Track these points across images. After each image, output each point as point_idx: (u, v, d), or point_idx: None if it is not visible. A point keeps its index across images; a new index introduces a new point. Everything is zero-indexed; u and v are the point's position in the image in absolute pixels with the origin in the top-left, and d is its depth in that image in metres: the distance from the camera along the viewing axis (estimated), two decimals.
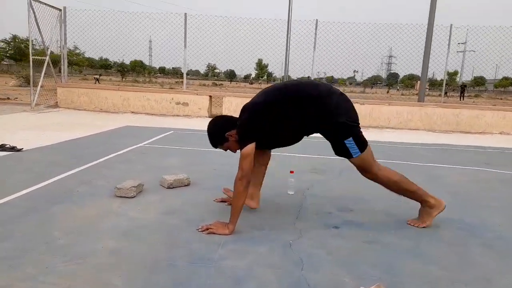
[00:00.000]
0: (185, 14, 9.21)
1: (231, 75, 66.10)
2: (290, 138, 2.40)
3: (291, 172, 3.04)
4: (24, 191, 2.72)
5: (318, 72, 31.68)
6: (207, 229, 2.17)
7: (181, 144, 5.09)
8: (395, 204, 2.80)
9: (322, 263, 1.88)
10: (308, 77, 9.52)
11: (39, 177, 3.09)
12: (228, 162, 3.84)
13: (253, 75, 54.95)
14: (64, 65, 9.47)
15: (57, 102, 9.15)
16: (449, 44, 9.40)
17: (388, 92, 42.37)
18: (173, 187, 3.00)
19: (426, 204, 2.44)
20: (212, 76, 60.52)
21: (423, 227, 2.40)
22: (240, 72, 61.42)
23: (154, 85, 32.46)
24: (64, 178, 3.12)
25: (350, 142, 2.25)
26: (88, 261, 1.77)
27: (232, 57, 10.32)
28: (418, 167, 4.37)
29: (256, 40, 10.35)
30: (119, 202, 2.60)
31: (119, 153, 4.24)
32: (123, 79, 44.32)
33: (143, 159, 4.04)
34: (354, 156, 2.29)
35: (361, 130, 2.34)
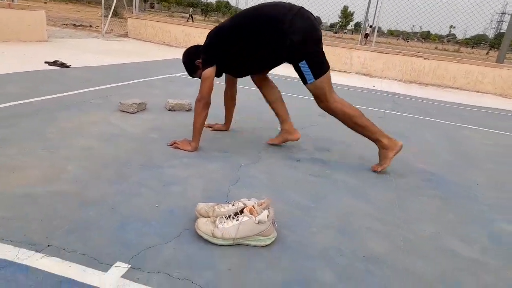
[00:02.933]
0: None
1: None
2: (252, 63, 2.37)
3: None
4: (46, 97, 3.17)
5: (413, 26, 28.97)
6: (174, 143, 2.40)
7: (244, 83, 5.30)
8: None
9: (255, 184, 2.00)
10: (368, 26, 8.88)
11: (66, 88, 3.54)
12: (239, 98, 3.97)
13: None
14: None
15: (126, 32, 9.83)
16: None
17: (487, 53, 37.51)
18: (174, 110, 3.25)
19: (380, 145, 2.36)
20: None
21: (381, 169, 2.36)
22: (327, 20, 58.50)
23: None
24: (87, 92, 3.54)
25: (304, 66, 2.19)
26: (60, 151, 2.11)
27: (315, 2, 9.61)
28: (445, 125, 4.10)
29: None
30: (118, 115, 2.93)
31: (150, 78, 4.60)
32: (206, 18, 45.04)
33: (167, 86, 4.34)
34: (308, 81, 2.24)
35: (322, 52, 2.25)
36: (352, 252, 1.50)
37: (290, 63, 2.26)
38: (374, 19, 9.34)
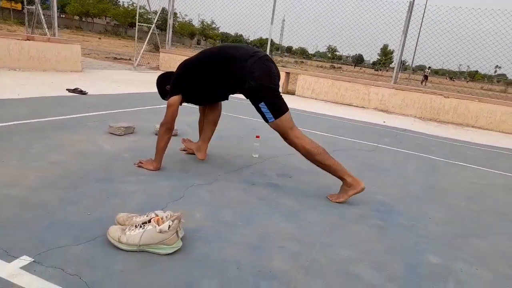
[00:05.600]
0: None
1: (358, 60, 63.81)
2: (212, 94, 2.63)
3: (257, 137, 3.23)
4: (48, 118, 3.53)
5: (460, 65, 28.20)
6: (139, 163, 2.60)
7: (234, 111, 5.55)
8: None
9: (195, 202, 2.13)
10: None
11: (70, 112, 3.91)
12: (231, 127, 4.15)
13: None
14: (169, 34, 10.73)
15: (158, 65, 10.52)
16: None
17: None
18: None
19: (344, 182, 2.42)
20: (332, 59, 59.32)
21: (337, 202, 2.40)
22: (369, 58, 58.75)
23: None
24: (88, 116, 3.88)
25: (263, 107, 2.35)
26: (31, 164, 2.36)
27: (356, 41, 9.75)
28: (436, 161, 4.02)
29: (379, 24, 9.70)
30: (105, 137, 3.20)
31: (155, 106, 4.93)
32: None
33: None
34: (269, 120, 2.39)
35: (280, 96, 2.40)
36: (251, 267, 1.57)
37: (251, 103, 2.44)
38: (413, 57, 9.31)
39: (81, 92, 5.15)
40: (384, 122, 6.60)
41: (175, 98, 2.49)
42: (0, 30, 13.44)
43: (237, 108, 5.45)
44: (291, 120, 2.43)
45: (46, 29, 8.00)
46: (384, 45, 38.94)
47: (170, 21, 10.69)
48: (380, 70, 46.89)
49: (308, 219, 2.12)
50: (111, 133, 3.31)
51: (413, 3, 8.67)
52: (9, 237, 1.54)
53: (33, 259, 1.42)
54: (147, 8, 10.44)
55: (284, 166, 3.07)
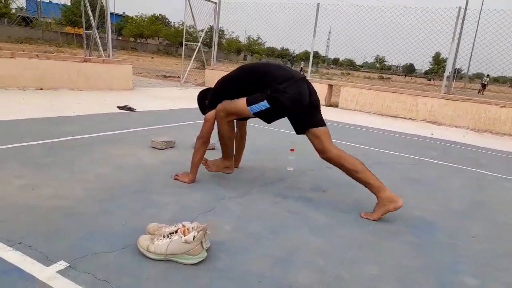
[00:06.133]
0: (318, 4, 9.48)
1: (409, 70, 61.83)
2: None
3: (292, 150, 3.24)
4: (95, 134, 3.79)
5: None
6: (176, 175, 2.71)
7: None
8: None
9: (224, 215, 2.18)
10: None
11: (117, 127, 4.17)
12: (267, 140, 4.19)
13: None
14: (214, 51, 11.11)
15: (204, 81, 10.90)
16: None
17: None
18: None
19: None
20: (381, 69, 57.81)
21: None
22: (421, 67, 56.60)
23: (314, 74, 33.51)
24: (132, 131, 4.11)
25: (264, 103, 2.36)
26: (76, 176, 2.56)
27: (405, 50, 9.50)
28: (486, 175, 3.77)
29: (430, 31, 9.34)
30: (147, 151, 3.37)
31: (197, 121, 5.10)
32: (292, 67, 46.99)
33: None
34: (249, 107, 2.40)
35: (280, 116, 2.49)
36: (272, 280, 1.57)
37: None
38: (468, 65, 8.94)
39: (130, 109, 5.47)
40: (432, 134, 6.31)
41: (212, 113, 2.58)
42: (63, 54, 14.69)
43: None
44: (239, 116, 2.54)
45: (102, 51, 8.63)
46: (436, 53, 37.35)
47: (216, 39, 11.08)
48: (433, 79, 44.86)
49: (338, 234, 2.08)
50: (153, 147, 3.48)
51: (465, 10, 8.30)
52: (50, 243, 1.68)
53: (68, 264, 1.53)
54: (195, 27, 10.90)
55: (319, 180, 3.04)
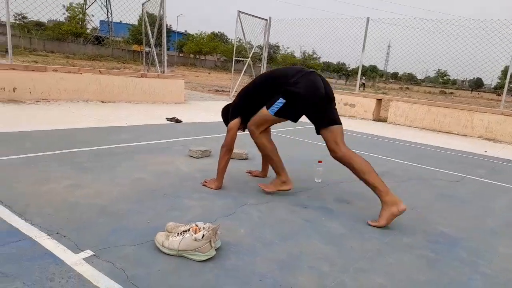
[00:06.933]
0: (368, 18, 9.41)
1: (476, 84, 58.24)
2: None
3: (320, 161, 3.28)
4: (140, 143, 4.11)
5: None
6: (204, 182, 2.88)
7: (301, 135, 5.70)
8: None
9: (242, 219, 2.29)
10: None
11: (162, 137, 4.48)
12: (297, 151, 4.24)
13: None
14: (263, 65, 11.40)
15: None
16: None
17: None
18: (232, 158, 3.75)
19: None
20: (445, 83, 54.85)
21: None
22: (490, 81, 53.03)
23: (379, 89, 32.69)
24: (175, 141, 4.39)
25: (281, 101, 2.50)
26: (116, 180, 2.82)
27: (470, 63, 9.10)
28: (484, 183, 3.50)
29: (500, 43, 8.86)
30: (184, 159, 3.60)
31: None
32: (346, 82, 46.32)
33: (246, 139, 4.93)
34: (269, 110, 2.55)
35: (301, 112, 2.57)
36: (273, 281, 1.65)
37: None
38: None
39: (177, 121, 5.83)
40: (486, 151, 5.94)
41: (234, 122, 2.74)
42: (128, 70, 15.87)
43: (304, 132, 5.51)
44: (269, 123, 2.67)
45: (158, 67, 9.25)
46: (506, 66, 34.77)
47: (265, 54, 11.37)
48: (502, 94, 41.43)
49: (350, 244, 2.10)
50: (190, 156, 3.71)
51: None
52: (82, 235, 1.90)
53: (93, 253, 1.73)
54: (244, 44, 11.29)
55: (344, 192, 3.05)
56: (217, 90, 13.83)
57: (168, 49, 9.65)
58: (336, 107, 2.67)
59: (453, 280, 1.80)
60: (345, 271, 1.80)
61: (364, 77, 38.15)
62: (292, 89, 2.47)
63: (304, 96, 2.47)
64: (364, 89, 32.16)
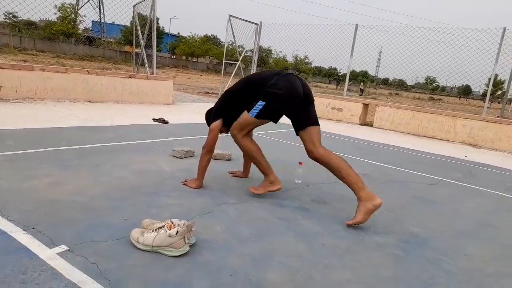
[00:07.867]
0: (356, 25, 9.55)
1: (465, 91, 59.16)
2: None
3: (300, 163, 3.35)
4: (125, 142, 4.14)
5: None
6: (185, 181, 2.93)
7: (281, 137, 5.77)
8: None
9: (218, 218, 2.34)
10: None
11: (147, 137, 4.51)
12: (277, 153, 4.30)
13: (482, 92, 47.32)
14: (253, 68, 11.48)
15: None
16: None
17: None
18: (215, 159, 3.82)
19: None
20: (433, 90, 55.66)
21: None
22: (478, 89, 54.01)
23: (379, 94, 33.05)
24: (160, 141, 4.43)
25: (260, 103, 2.58)
26: (100, 178, 2.85)
27: (458, 70, 9.27)
28: (508, 199, 3.62)
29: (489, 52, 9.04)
30: (166, 159, 3.64)
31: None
32: (337, 87, 46.71)
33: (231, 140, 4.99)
34: (250, 113, 2.63)
35: (281, 112, 2.66)
36: (244, 275, 1.71)
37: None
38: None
39: (163, 121, 5.86)
40: (466, 156, 6.08)
41: (216, 123, 2.80)
42: (120, 70, 15.82)
43: (285, 134, 5.59)
44: (252, 126, 2.73)
45: (148, 68, 9.27)
46: (495, 75, 35.45)
47: (255, 57, 11.45)
48: (491, 102, 42.39)
49: (322, 242, 2.17)
50: (173, 156, 3.75)
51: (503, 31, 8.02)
52: (58, 230, 1.93)
53: (68, 248, 1.77)
54: (236, 47, 11.36)
55: (323, 193, 3.13)
56: (207, 92, 13.86)
57: (160, 51, 9.70)
58: (315, 108, 2.75)
59: (416, 278, 1.88)
60: (314, 267, 1.86)
61: (362, 83, 38.56)
62: (271, 91, 2.54)
63: (283, 96, 2.54)
64: (362, 94, 32.63)
